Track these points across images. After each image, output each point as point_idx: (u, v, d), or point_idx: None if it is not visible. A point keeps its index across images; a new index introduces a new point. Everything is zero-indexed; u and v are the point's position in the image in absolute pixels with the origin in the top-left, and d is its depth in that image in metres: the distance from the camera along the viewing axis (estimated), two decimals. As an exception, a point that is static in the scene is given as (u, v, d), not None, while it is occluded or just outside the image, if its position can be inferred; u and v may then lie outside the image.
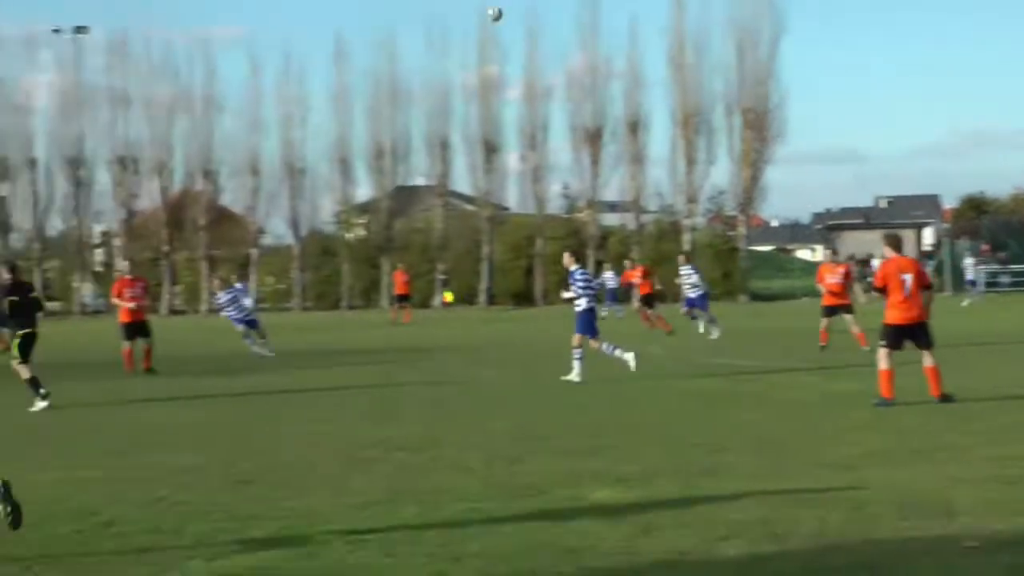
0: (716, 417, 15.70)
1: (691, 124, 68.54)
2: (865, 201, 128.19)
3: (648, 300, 37.14)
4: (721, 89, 69.15)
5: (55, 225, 77.57)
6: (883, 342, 16.37)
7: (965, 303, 50.52)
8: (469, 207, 75.08)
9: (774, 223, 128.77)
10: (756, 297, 66.71)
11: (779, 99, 68.76)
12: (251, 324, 29.70)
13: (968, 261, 60.90)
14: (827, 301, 26.54)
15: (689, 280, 32.78)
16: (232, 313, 29.71)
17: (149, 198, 77.10)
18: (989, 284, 61.45)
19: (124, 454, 13.62)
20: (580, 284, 21.07)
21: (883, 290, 16.44)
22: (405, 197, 75.47)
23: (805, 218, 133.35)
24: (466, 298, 69.92)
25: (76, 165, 75.34)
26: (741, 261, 68.39)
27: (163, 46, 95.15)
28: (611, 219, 74.05)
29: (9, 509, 8.59)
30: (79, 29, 76.44)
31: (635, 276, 39.91)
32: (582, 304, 20.93)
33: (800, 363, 23.20)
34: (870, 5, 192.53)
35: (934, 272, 60.69)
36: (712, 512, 9.36)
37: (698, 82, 69.23)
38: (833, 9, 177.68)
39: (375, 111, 74.12)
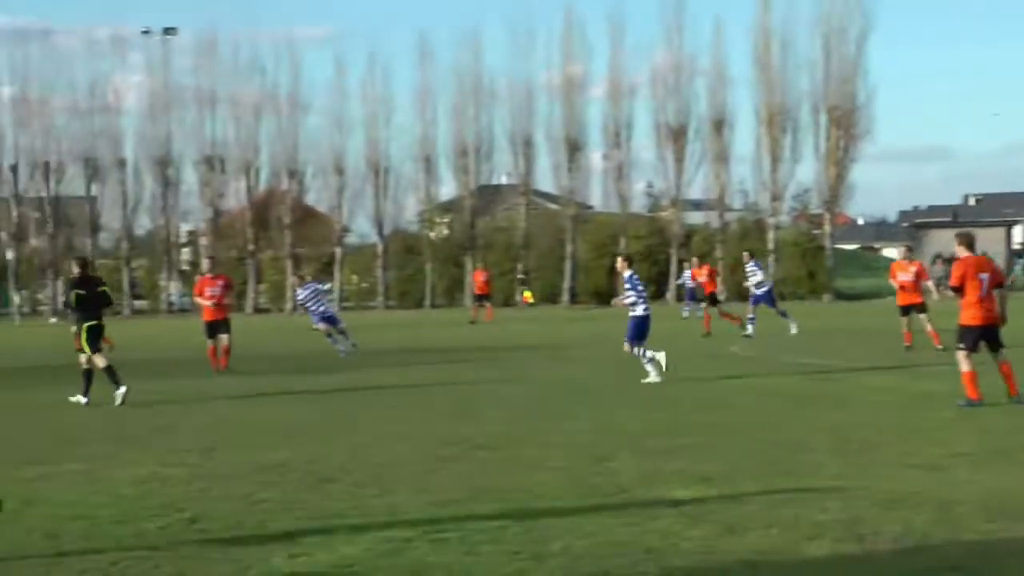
0: (799, 416, 15.56)
1: (776, 122, 68.12)
2: (954, 199, 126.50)
3: (713, 299, 36.88)
4: (807, 87, 68.90)
5: (143, 224, 78.75)
6: (961, 344, 16.04)
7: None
8: (552, 206, 75.11)
9: (860, 221, 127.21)
10: (841, 296, 66.13)
11: (866, 97, 68.40)
12: (331, 321, 29.85)
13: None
14: (901, 299, 26.34)
15: (754, 278, 32.60)
16: (312, 307, 29.89)
17: (235, 197, 78.02)
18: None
19: (209, 451, 13.75)
20: (640, 288, 20.96)
21: (959, 289, 16.12)
22: (489, 196, 75.67)
23: (892, 216, 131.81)
24: (549, 297, 69.92)
25: (164, 165, 76.25)
26: (826, 260, 67.89)
27: (250, 47, 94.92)
28: (695, 217, 73.65)
29: None
30: (168, 31, 77.52)
31: (701, 275, 39.56)
32: (638, 310, 20.80)
33: (884, 362, 22.96)
34: (962, 2, 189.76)
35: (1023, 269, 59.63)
36: (795, 512, 9.28)
37: (783, 80, 68.95)
38: (924, 5, 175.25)
39: (459, 110, 74.39)
